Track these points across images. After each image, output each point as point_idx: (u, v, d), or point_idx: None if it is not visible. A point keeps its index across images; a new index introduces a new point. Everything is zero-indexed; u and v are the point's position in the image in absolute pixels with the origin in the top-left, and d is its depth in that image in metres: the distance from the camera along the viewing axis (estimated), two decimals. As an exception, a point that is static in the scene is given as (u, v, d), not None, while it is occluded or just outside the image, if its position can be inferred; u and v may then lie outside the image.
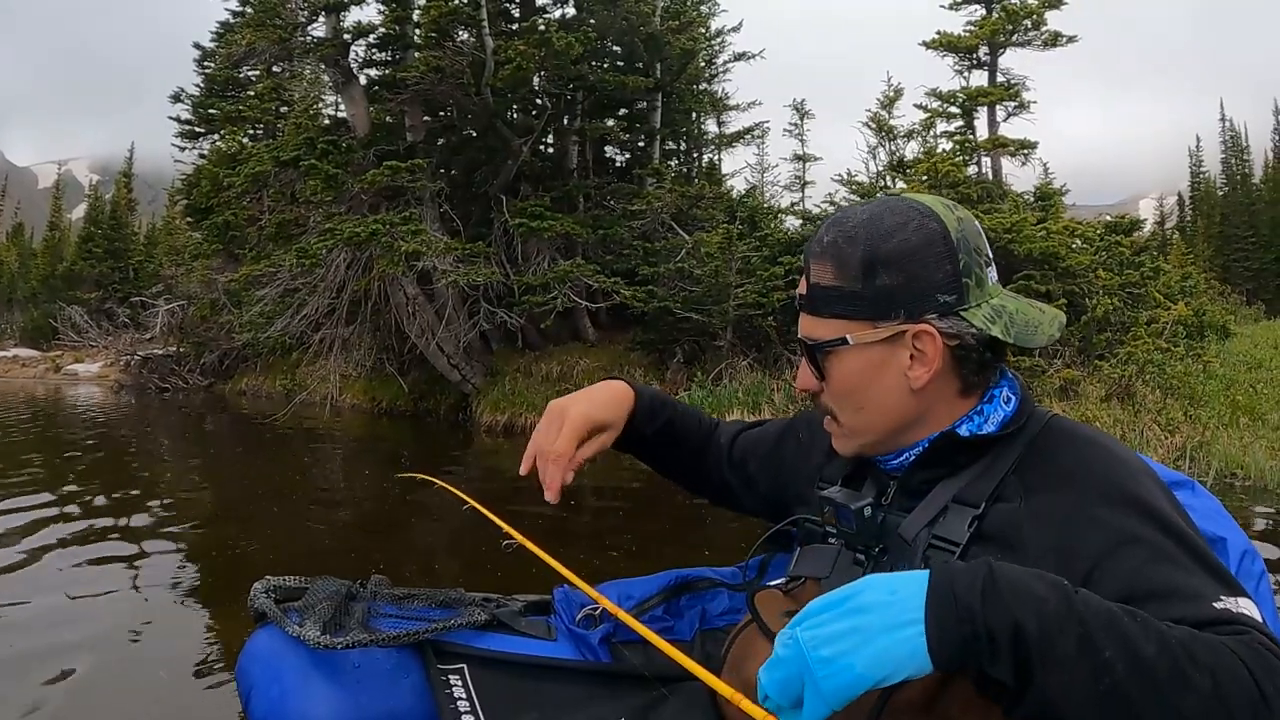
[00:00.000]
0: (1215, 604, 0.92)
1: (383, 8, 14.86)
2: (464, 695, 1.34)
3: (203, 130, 25.17)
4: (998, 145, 14.94)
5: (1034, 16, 14.81)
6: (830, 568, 1.24)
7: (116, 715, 3.24)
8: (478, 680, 1.38)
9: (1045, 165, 18.85)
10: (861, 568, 1.19)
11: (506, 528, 1.69)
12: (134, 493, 8.08)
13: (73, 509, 6.88)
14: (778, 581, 1.34)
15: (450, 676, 1.36)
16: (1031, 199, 15.16)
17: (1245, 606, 0.92)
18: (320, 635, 1.23)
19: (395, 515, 7.26)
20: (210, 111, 23.95)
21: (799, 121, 28.40)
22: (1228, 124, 47.71)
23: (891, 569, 1.15)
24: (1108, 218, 14.71)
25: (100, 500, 7.43)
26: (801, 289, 1.24)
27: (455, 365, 14.85)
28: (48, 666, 3.53)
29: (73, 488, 8.04)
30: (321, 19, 14.47)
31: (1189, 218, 49.77)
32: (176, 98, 24.90)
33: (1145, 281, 12.89)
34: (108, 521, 6.46)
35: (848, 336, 1.18)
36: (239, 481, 9.36)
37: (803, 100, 28.59)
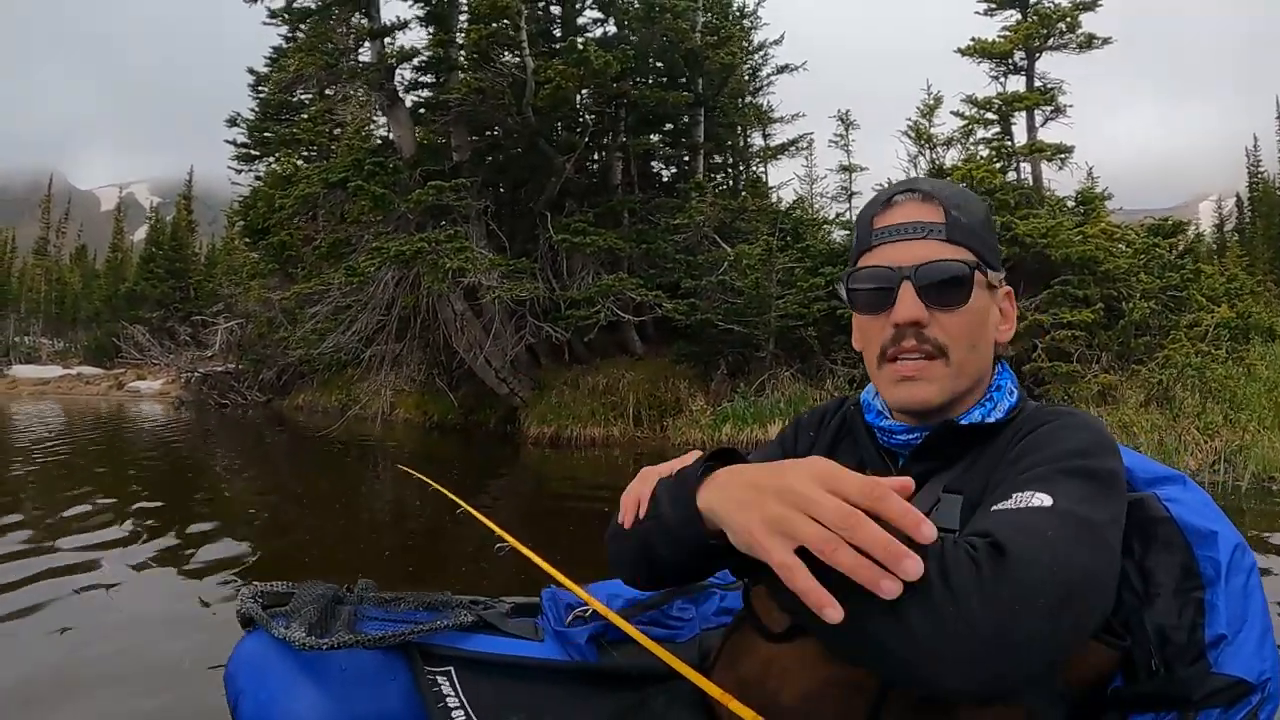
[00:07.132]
0: (1015, 495, 0.99)
1: (427, 31, 15.13)
2: (453, 696, 1.39)
3: (258, 153, 25.63)
4: (1035, 150, 14.69)
5: (1068, 19, 14.58)
6: None
7: (135, 711, 3.37)
8: (465, 681, 1.43)
9: (1090, 169, 18.49)
10: None
11: (498, 530, 1.74)
12: (191, 504, 8.33)
13: (131, 517, 7.07)
14: None
15: (438, 678, 1.41)
16: (1073, 203, 14.90)
17: (1038, 500, 0.97)
18: (305, 636, 1.26)
19: (437, 526, 7.37)
20: (265, 135, 24.42)
21: (844, 132, 28.27)
22: (1286, 123, 46.46)
23: None
24: (1151, 220, 14.38)
25: (160, 510, 7.60)
26: (931, 217, 1.22)
27: (503, 379, 15.05)
28: (74, 665, 3.69)
29: (135, 501, 8.26)
30: (368, 44, 14.80)
31: (1248, 220, 48.32)
32: (233, 121, 25.30)
33: (1186, 284, 12.64)
34: (165, 529, 6.61)
35: (988, 270, 1.23)
36: (292, 493, 9.55)
37: (847, 111, 28.50)
